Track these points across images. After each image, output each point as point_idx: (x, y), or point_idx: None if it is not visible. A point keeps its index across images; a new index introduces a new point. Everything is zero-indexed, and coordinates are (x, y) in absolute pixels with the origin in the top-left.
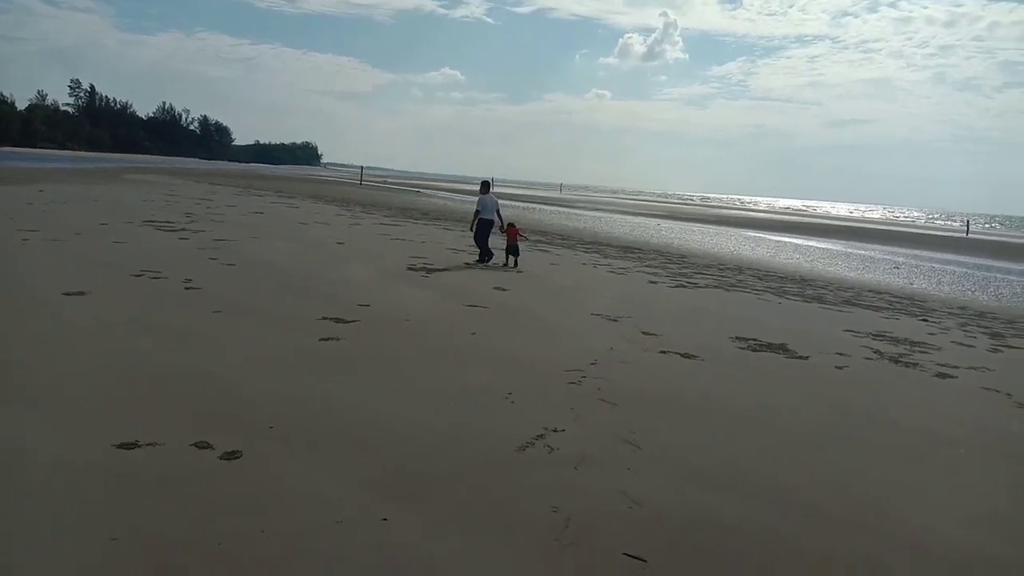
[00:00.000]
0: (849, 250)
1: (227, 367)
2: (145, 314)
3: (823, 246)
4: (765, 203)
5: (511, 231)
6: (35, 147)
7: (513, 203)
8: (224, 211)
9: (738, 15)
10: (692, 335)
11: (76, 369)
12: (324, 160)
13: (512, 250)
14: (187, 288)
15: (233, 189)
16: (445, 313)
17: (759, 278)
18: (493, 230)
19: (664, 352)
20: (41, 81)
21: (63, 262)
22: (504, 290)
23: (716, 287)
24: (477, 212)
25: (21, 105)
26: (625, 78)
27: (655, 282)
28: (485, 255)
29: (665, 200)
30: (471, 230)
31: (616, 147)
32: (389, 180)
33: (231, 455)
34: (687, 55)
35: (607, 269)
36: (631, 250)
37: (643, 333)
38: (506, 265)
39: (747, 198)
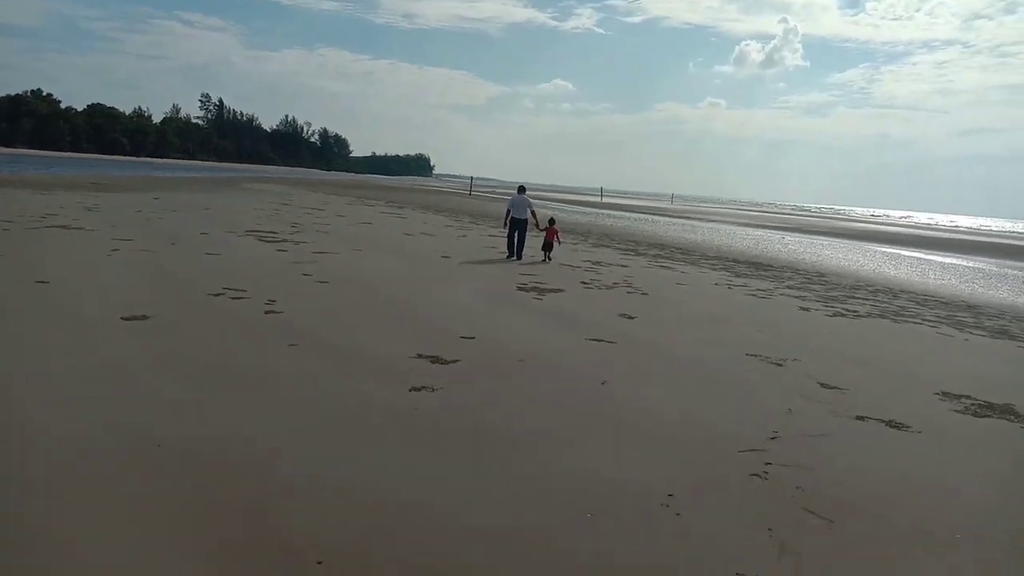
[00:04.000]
0: (1004, 270)
1: (265, 438)
2: (200, 349)
3: (971, 264)
4: (891, 215)
5: (549, 231)
6: (167, 157)
7: (625, 215)
8: (332, 221)
9: (860, 20)
10: (884, 389)
11: (24, 445)
12: (436, 171)
13: (547, 247)
14: (266, 312)
15: (346, 199)
16: (564, 350)
17: (920, 304)
18: (529, 228)
19: (861, 419)
20: (176, 95)
21: (141, 278)
22: (631, 318)
23: (879, 316)
24: (508, 211)
25: (157, 118)
26: (741, 86)
27: (806, 308)
28: (516, 251)
29: (783, 211)
30: (504, 227)
31: (730, 157)
32: (498, 190)
33: None
34: (807, 62)
35: (744, 290)
36: (762, 267)
37: (821, 385)
38: (544, 260)
39: (870, 210)
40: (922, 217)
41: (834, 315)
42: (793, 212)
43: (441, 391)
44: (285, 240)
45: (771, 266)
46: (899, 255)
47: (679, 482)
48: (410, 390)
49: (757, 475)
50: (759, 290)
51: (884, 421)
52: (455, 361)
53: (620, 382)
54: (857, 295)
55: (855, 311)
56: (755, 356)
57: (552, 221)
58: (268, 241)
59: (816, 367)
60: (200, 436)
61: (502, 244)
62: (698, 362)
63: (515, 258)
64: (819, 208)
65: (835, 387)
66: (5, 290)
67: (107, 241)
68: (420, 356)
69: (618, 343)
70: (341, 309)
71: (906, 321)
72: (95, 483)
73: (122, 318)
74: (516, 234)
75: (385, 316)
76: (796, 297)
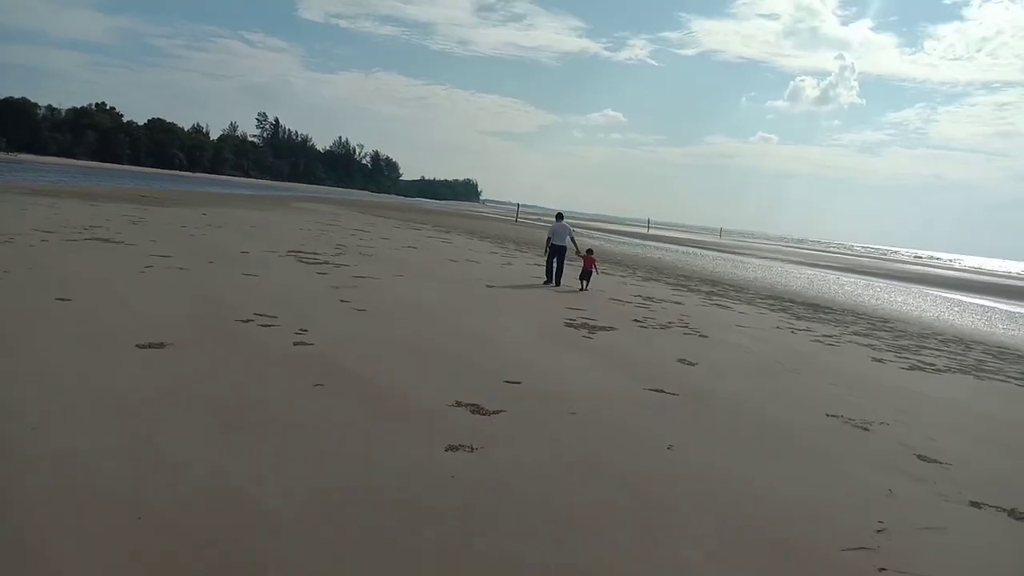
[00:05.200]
0: None
1: (262, 513)
2: (212, 386)
3: None
4: (947, 259)
5: (587, 259)
6: (222, 174)
7: (672, 247)
8: (376, 244)
9: (918, 59)
10: (992, 464)
11: None
12: (483, 196)
13: (584, 275)
14: (295, 344)
15: (393, 222)
16: (621, 402)
17: (998, 357)
18: (569, 256)
19: (977, 505)
20: (234, 113)
21: (169, 300)
22: (691, 364)
23: (959, 371)
24: (549, 239)
25: (214, 135)
26: (794, 122)
27: (879, 360)
28: (553, 277)
29: (833, 251)
30: (544, 253)
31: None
32: (544, 218)
33: None
34: (863, 100)
35: (809, 336)
36: (821, 309)
37: (919, 458)
38: (581, 289)
39: (924, 252)
40: (987, 263)
41: (911, 368)
42: (844, 252)
43: (481, 452)
44: (326, 262)
45: (831, 309)
46: (960, 301)
47: None
48: (446, 449)
49: None
50: (825, 336)
51: (1006, 510)
52: (498, 412)
53: (688, 447)
54: (927, 345)
55: (932, 364)
56: (836, 417)
57: (590, 251)
58: (309, 263)
59: (908, 433)
60: (184, 500)
61: (569, 282)
62: (775, 424)
63: (553, 284)
64: (869, 248)
65: (935, 460)
66: (22, 306)
67: (143, 257)
68: (459, 404)
69: (680, 395)
70: (377, 342)
71: (990, 378)
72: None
73: (137, 345)
74: (555, 260)
75: (423, 352)
76: (865, 346)
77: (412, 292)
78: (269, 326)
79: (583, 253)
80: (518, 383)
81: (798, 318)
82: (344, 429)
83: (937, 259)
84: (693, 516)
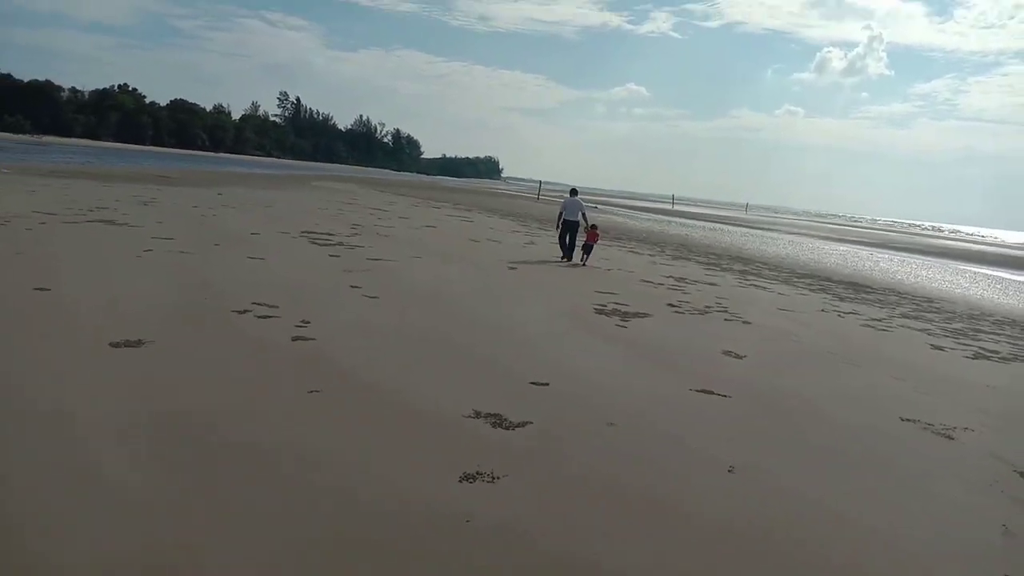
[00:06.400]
0: None
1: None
2: (186, 396)
3: None
4: (980, 233)
5: (591, 234)
6: (244, 154)
7: (699, 224)
8: (395, 223)
9: (947, 28)
10: None
11: None
12: (505, 174)
13: (587, 248)
14: (294, 339)
15: (413, 200)
16: (666, 407)
17: None
18: (580, 232)
19: None
20: (256, 93)
21: (161, 288)
22: (739, 357)
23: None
24: (561, 213)
25: (236, 115)
26: (820, 94)
27: (939, 347)
28: (567, 252)
29: (862, 225)
30: (556, 229)
31: (806, 166)
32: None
33: None
34: (891, 71)
35: (857, 320)
36: (862, 289)
37: None
38: (582, 262)
39: (954, 227)
40: (1008, 236)
41: (975, 357)
42: (873, 227)
43: (504, 482)
44: (340, 243)
45: (871, 288)
46: (1001, 278)
47: None
48: (461, 479)
49: None
50: (873, 320)
51: None
52: (523, 425)
53: (752, 467)
54: (982, 328)
55: (996, 352)
56: (913, 422)
57: (594, 226)
58: (322, 244)
59: (1000, 443)
60: (122, 560)
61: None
62: (845, 432)
63: (567, 259)
64: (897, 222)
65: None
66: None
67: (145, 240)
68: (478, 414)
69: (733, 397)
70: (386, 336)
71: None
72: None
73: (110, 344)
74: (568, 236)
75: (438, 347)
76: (919, 331)
77: (429, 276)
78: (267, 317)
79: (587, 228)
80: (546, 384)
81: (841, 299)
82: (334, 455)
83: (970, 234)
84: (772, 567)
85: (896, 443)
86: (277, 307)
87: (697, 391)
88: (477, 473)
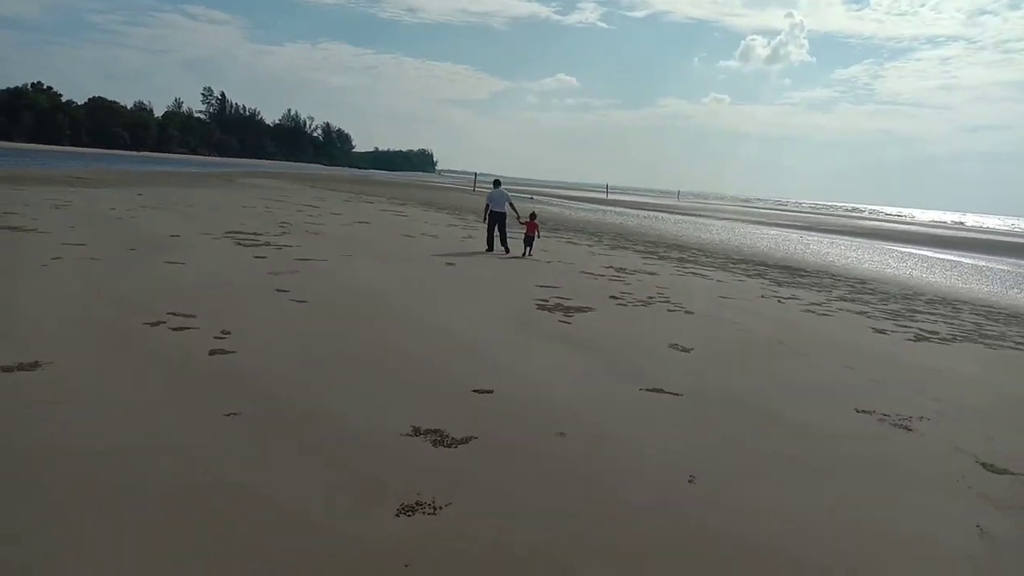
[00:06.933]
0: None
1: None
2: (78, 426)
3: (1002, 267)
4: (899, 213)
5: (530, 224)
6: (168, 152)
7: (633, 212)
8: (326, 220)
9: (864, 15)
10: None
11: None
12: (439, 167)
13: (527, 241)
14: (212, 352)
15: (344, 195)
16: (617, 410)
17: (990, 319)
18: (510, 222)
19: None
20: (178, 90)
21: (65, 300)
22: (686, 350)
23: (964, 339)
24: (487, 206)
25: (159, 112)
26: (745, 81)
27: (880, 331)
28: (501, 244)
29: (788, 208)
30: (483, 222)
31: (734, 152)
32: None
33: None
34: (813, 58)
35: (798, 305)
36: (797, 272)
37: (988, 469)
38: (524, 255)
39: (872, 207)
40: (938, 216)
41: (917, 340)
42: (798, 210)
43: (448, 512)
44: (267, 244)
45: (806, 271)
46: (925, 256)
47: None
48: (398, 512)
49: None
50: (814, 304)
51: None
52: (467, 440)
53: (712, 477)
54: (917, 308)
55: (935, 333)
56: (869, 413)
57: (533, 215)
58: (247, 245)
59: (958, 432)
60: None
61: (514, 247)
62: (804, 430)
63: (492, 250)
64: (820, 204)
65: (1007, 471)
66: None
67: (53, 247)
68: (417, 432)
69: (684, 395)
70: (315, 345)
71: (1001, 346)
72: None
73: (2, 368)
74: (497, 227)
75: (373, 356)
76: (858, 314)
77: (362, 276)
78: (183, 329)
79: (524, 219)
80: (490, 392)
81: (778, 284)
82: (250, 490)
83: (888, 215)
84: None
85: (856, 440)
86: (194, 317)
87: (648, 391)
88: (417, 504)
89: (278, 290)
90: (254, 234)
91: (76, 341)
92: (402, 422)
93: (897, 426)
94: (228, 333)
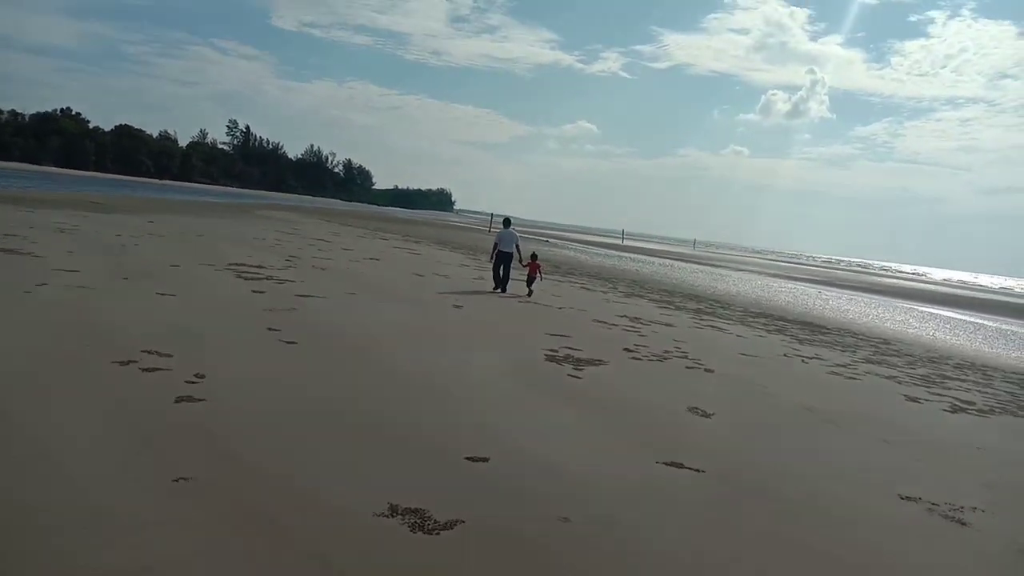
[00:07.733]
0: None
1: None
2: (24, 479)
3: None
4: (914, 270)
5: (532, 265)
6: (191, 181)
7: (648, 259)
8: (335, 256)
9: (885, 75)
10: None
11: None
12: (457, 206)
13: (529, 281)
14: (178, 400)
15: (360, 231)
16: (630, 489)
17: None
18: (513, 263)
19: None
20: (205, 121)
21: (36, 332)
22: (707, 415)
23: (1001, 410)
24: (496, 245)
25: (183, 142)
26: (765, 135)
27: (913, 398)
28: (500, 284)
29: (803, 262)
30: (490, 261)
31: (751, 204)
32: (517, 229)
33: None
34: (833, 114)
35: (822, 366)
36: (818, 329)
37: None
38: (528, 295)
39: (893, 265)
40: (956, 275)
41: (954, 411)
42: (812, 263)
43: None
44: (269, 278)
45: (827, 329)
46: (948, 317)
47: None
48: None
49: None
50: (839, 366)
51: None
52: (452, 525)
53: None
54: (947, 374)
55: (970, 403)
56: (915, 501)
57: (534, 256)
58: (248, 278)
59: (1018, 526)
60: None
61: (523, 289)
62: (844, 521)
63: (500, 291)
64: (839, 260)
65: None
66: None
67: (43, 272)
68: (395, 511)
69: (707, 472)
70: (294, 395)
71: None
72: None
73: None
74: (502, 267)
75: (355, 412)
76: (887, 378)
77: (362, 317)
78: (153, 370)
79: (526, 261)
80: (484, 460)
81: (800, 342)
82: None
83: (909, 272)
84: None
85: (904, 535)
86: (171, 356)
87: (665, 464)
88: None
89: (269, 328)
90: (258, 267)
91: (32, 380)
92: (379, 498)
93: (948, 518)
94: (202, 377)
